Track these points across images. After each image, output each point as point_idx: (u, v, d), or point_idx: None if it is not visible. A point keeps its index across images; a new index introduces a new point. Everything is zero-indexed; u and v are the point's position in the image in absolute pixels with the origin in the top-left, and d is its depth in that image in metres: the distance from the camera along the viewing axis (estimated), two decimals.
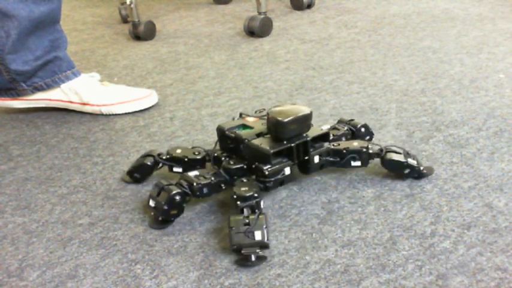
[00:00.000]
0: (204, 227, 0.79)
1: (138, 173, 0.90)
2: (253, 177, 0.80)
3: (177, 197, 0.76)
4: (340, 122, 0.95)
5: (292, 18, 1.90)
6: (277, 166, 0.79)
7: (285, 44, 1.62)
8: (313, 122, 1.00)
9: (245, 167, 0.81)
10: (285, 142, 0.79)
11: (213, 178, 0.79)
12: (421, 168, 0.85)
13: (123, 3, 2.03)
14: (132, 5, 1.76)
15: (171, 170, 0.88)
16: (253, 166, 0.80)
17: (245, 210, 0.73)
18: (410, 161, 0.83)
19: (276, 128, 0.78)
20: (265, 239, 0.70)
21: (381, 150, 0.84)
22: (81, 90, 1.21)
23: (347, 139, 0.90)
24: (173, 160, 0.87)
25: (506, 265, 0.66)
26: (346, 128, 0.91)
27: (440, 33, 1.59)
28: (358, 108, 1.13)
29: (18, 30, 1.13)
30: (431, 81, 1.24)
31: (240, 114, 0.89)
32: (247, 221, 0.71)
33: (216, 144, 0.88)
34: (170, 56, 1.61)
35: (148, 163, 0.88)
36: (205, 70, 1.46)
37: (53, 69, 1.21)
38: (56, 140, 1.12)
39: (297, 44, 1.61)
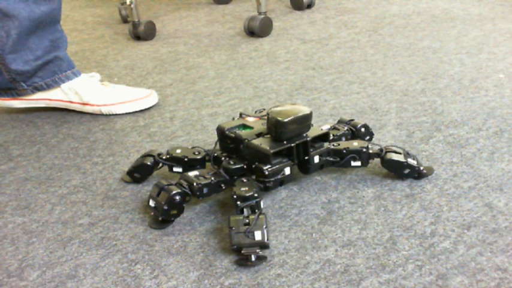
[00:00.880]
0: (204, 227, 0.79)
1: (138, 173, 0.90)
2: (253, 177, 0.80)
3: (177, 197, 0.76)
4: (340, 122, 0.95)
5: (292, 18, 1.90)
6: (277, 166, 0.78)
7: (285, 44, 1.62)
8: (313, 122, 1.00)
9: (245, 167, 0.81)
10: (285, 142, 0.79)
11: (213, 178, 0.79)
12: (421, 168, 0.85)
13: (123, 3, 2.03)
14: (132, 5, 1.76)
15: (171, 170, 0.88)
16: (253, 166, 0.80)
17: (245, 210, 0.73)
18: (410, 161, 0.83)
19: (276, 128, 0.78)
20: (265, 239, 0.70)
21: (381, 150, 0.84)
22: (81, 90, 1.21)
23: (347, 139, 0.90)
24: (173, 160, 0.87)
25: (506, 265, 0.66)
26: (346, 128, 0.91)
27: (440, 33, 1.59)
28: (358, 108, 1.13)
29: (19, 30, 1.13)
30: (431, 81, 1.24)
31: (240, 114, 0.89)
32: (247, 221, 0.71)
33: (216, 144, 0.87)
34: (170, 56, 1.61)
35: (148, 163, 0.88)
36: (205, 70, 1.46)
37: (53, 69, 1.21)
38: (56, 140, 1.13)
39: (297, 44, 1.61)
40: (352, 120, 0.94)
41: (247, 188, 0.75)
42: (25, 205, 0.89)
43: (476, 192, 0.81)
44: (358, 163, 0.85)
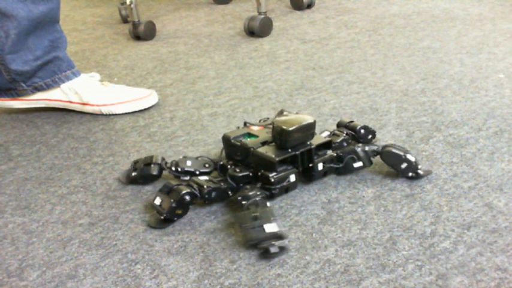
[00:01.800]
0: (204, 227, 0.79)
1: (143, 180, 0.90)
2: (259, 184, 0.82)
3: (187, 197, 0.78)
4: (339, 125, 0.95)
5: (292, 18, 1.90)
6: (282, 173, 0.80)
7: (285, 44, 1.62)
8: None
9: (251, 174, 0.83)
10: (289, 150, 0.81)
11: (222, 184, 0.81)
12: (419, 167, 0.85)
13: (123, 3, 2.03)
14: (132, 5, 1.76)
15: (178, 177, 0.89)
16: (259, 174, 0.81)
17: (250, 207, 0.75)
18: (409, 156, 0.84)
19: (281, 136, 0.80)
20: (278, 230, 0.71)
21: (379, 147, 0.86)
22: (81, 90, 1.21)
23: (348, 144, 0.91)
24: (183, 173, 0.88)
25: (506, 265, 0.66)
26: (345, 132, 0.92)
27: (440, 33, 1.59)
28: (358, 108, 1.13)
29: (18, 30, 1.13)
30: (431, 81, 1.24)
31: (245, 123, 0.92)
32: (254, 215, 0.72)
33: (221, 153, 0.90)
34: (170, 56, 1.61)
35: (154, 173, 0.89)
36: (205, 70, 1.46)
37: (53, 69, 1.21)
38: (56, 140, 1.13)
39: (297, 44, 1.61)
40: (352, 122, 0.94)
41: (249, 188, 0.78)
42: (25, 205, 0.89)
43: (476, 192, 0.81)
44: (360, 163, 0.85)
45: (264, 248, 0.71)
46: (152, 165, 0.89)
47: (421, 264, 0.67)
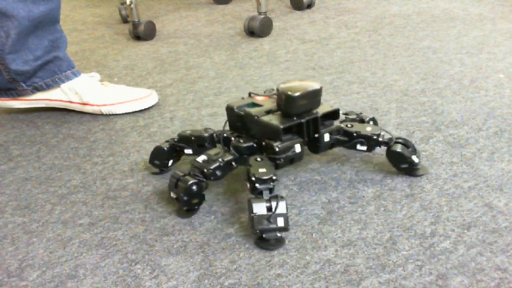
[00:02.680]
0: (204, 227, 0.79)
1: (157, 159, 0.91)
2: (264, 155, 0.80)
3: (194, 187, 0.77)
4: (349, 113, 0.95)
5: (292, 18, 1.90)
6: (287, 143, 0.78)
7: (285, 44, 1.62)
8: None
9: (255, 145, 0.81)
10: (295, 118, 0.79)
11: (220, 159, 0.79)
12: (418, 166, 0.85)
13: (123, 3, 2.03)
14: (132, 5, 1.76)
15: (182, 152, 0.90)
16: (264, 143, 0.79)
17: (264, 192, 0.73)
18: (414, 158, 0.84)
19: (285, 103, 0.77)
20: (287, 224, 0.71)
21: (391, 139, 0.85)
22: (81, 90, 1.21)
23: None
24: (183, 140, 0.88)
25: (506, 265, 0.66)
26: (355, 116, 0.92)
27: (440, 33, 1.59)
28: (358, 108, 1.13)
29: (18, 30, 1.13)
30: (431, 81, 1.24)
31: (249, 94, 0.89)
32: (268, 205, 0.71)
33: (225, 124, 0.87)
34: (170, 56, 1.61)
35: (165, 148, 0.90)
36: (205, 70, 1.46)
37: (53, 69, 1.21)
38: (56, 140, 1.12)
39: (297, 44, 1.61)
40: (361, 113, 0.94)
41: (265, 170, 0.74)
42: (25, 205, 0.89)
43: (476, 192, 0.81)
44: (364, 148, 0.84)
45: (266, 239, 0.71)
46: (164, 143, 0.91)
47: (421, 264, 0.67)
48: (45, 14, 1.16)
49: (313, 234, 0.75)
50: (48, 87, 1.22)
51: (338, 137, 0.83)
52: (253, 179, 0.73)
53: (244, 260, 0.71)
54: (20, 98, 1.24)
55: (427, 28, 1.64)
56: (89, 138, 1.12)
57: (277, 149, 0.77)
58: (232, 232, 0.77)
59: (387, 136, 0.86)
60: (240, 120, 0.84)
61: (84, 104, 1.22)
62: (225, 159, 0.79)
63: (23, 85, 1.20)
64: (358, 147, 0.84)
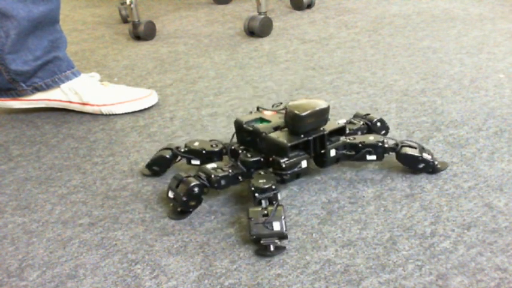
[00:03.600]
0: (204, 227, 0.79)
1: (157, 165, 0.92)
2: (270, 170, 0.81)
3: (196, 189, 0.78)
4: (356, 116, 0.96)
5: (292, 18, 1.90)
6: (294, 159, 0.79)
7: (285, 44, 1.62)
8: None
9: (262, 160, 0.82)
10: (302, 136, 0.80)
11: (230, 170, 0.80)
12: (436, 162, 0.85)
13: (123, 3, 2.03)
14: (132, 5, 1.76)
15: (189, 162, 0.90)
16: (271, 159, 0.81)
17: (263, 201, 0.74)
18: (425, 155, 0.84)
19: (293, 121, 0.79)
20: (284, 229, 0.71)
21: (396, 144, 0.85)
22: (81, 90, 1.21)
23: (363, 133, 0.91)
24: (191, 153, 0.89)
25: (506, 265, 0.66)
26: (362, 122, 0.92)
27: (440, 33, 1.59)
28: (358, 108, 1.13)
29: (18, 30, 1.13)
30: (431, 81, 1.24)
31: (258, 108, 0.91)
32: (265, 212, 0.72)
33: (233, 137, 0.89)
34: (170, 56, 1.61)
35: (167, 156, 0.90)
36: (205, 70, 1.46)
37: (53, 69, 1.21)
38: (56, 140, 1.12)
39: (297, 44, 1.61)
40: (368, 114, 0.94)
41: (265, 180, 0.76)
42: (25, 205, 0.89)
43: (476, 192, 0.81)
44: (374, 157, 0.85)
45: (264, 245, 0.71)
46: (165, 150, 0.91)
47: (421, 264, 0.67)
48: (44, 14, 1.16)
49: (313, 234, 0.75)
50: (48, 87, 1.21)
51: (344, 151, 0.84)
52: (252, 188, 0.75)
53: (244, 260, 0.71)
54: (20, 98, 1.24)
55: (427, 28, 1.64)
56: (89, 138, 1.12)
57: (284, 166, 0.79)
58: (232, 232, 0.77)
59: (391, 142, 0.86)
60: (248, 135, 0.85)
61: (84, 104, 1.22)
62: (234, 171, 0.81)
63: (23, 85, 1.20)
64: (368, 157, 0.85)
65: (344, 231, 0.75)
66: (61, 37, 1.23)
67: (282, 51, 1.55)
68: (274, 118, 0.87)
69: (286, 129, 0.83)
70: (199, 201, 0.80)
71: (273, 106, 0.92)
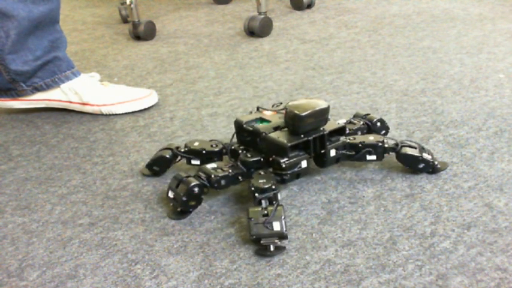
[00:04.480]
0: (204, 227, 0.79)
1: (157, 165, 0.92)
2: (270, 170, 0.81)
3: (196, 189, 0.78)
4: (356, 116, 0.96)
5: (292, 18, 1.90)
6: (294, 159, 0.80)
7: (285, 44, 1.62)
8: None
9: (262, 160, 0.82)
10: (302, 136, 0.80)
11: (230, 170, 0.81)
12: (436, 163, 0.85)
13: (123, 3, 2.03)
14: (132, 5, 1.76)
15: (189, 162, 0.90)
16: (271, 159, 0.81)
17: (263, 201, 0.74)
18: (425, 155, 0.84)
19: (293, 121, 0.79)
20: (284, 229, 0.71)
21: (396, 144, 0.85)
22: (81, 90, 1.21)
23: (363, 133, 0.91)
24: (191, 153, 0.89)
25: (506, 265, 0.66)
26: (362, 122, 0.92)
27: (440, 33, 1.59)
28: (358, 108, 1.13)
29: (18, 30, 1.13)
30: (431, 81, 1.24)
31: (258, 108, 0.91)
32: (265, 212, 0.72)
33: (233, 137, 0.89)
34: (170, 56, 1.61)
35: (167, 156, 0.90)
36: (205, 70, 1.46)
37: (53, 69, 1.21)
38: (56, 140, 1.12)
39: (297, 44, 1.61)
40: (368, 114, 0.95)
41: (265, 180, 0.76)
42: (25, 205, 0.89)
43: (476, 192, 0.81)
44: (374, 157, 0.85)
45: (264, 245, 0.71)
46: (165, 150, 0.91)
47: (421, 264, 0.67)
48: (44, 15, 1.16)
49: (313, 234, 0.75)
50: (48, 87, 1.22)
51: (344, 151, 0.84)
52: (252, 188, 0.75)
53: (244, 260, 0.71)
54: (20, 98, 1.24)
55: (427, 28, 1.64)
56: (89, 138, 1.12)
57: (284, 166, 0.79)
58: (232, 232, 0.77)
59: (391, 142, 0.86)
60: (248, 135, 0.85)
61: (84, 104, 1.22)
62: (234, 171, 0.81)
63: (23, 85, 1.20)
64: (368, 157, 0.85)
65: (344, 231, 0.75)
66: (61, 37, 1.23)
67: (282, 51, 1.55)
68: (274, 118, 0.87)
69: (286, 129, 0.83)
70: (199, 201, 0.80)
71: (273, 106, 0.92)
